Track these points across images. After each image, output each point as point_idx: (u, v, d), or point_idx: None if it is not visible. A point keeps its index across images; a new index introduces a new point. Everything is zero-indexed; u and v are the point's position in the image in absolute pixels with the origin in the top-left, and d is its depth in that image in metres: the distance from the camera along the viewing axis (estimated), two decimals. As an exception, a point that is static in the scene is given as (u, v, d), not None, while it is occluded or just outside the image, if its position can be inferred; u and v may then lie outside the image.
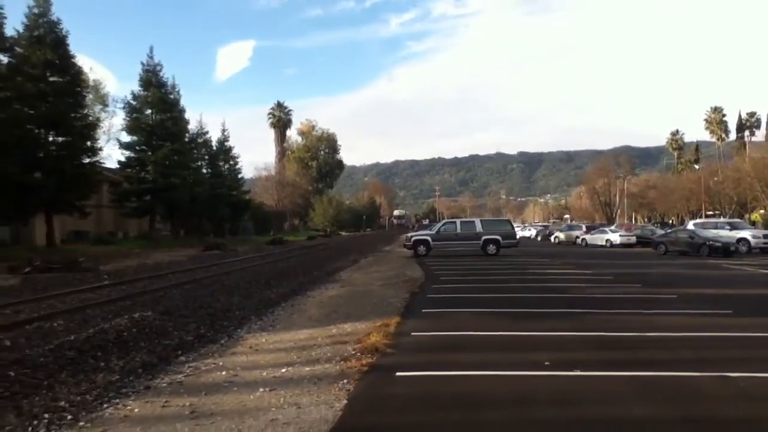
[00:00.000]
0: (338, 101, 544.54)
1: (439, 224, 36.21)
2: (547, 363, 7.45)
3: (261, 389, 6.64)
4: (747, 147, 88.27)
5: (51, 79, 34.66)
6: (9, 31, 31.78)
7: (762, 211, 63.42)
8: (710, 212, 70.35)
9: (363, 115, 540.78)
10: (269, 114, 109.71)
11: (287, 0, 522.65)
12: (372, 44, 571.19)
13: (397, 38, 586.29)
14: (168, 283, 17.79)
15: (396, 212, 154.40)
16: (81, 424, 5.66)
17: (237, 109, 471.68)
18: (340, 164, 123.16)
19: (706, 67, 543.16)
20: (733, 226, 36.39)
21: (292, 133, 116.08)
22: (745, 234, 34.52)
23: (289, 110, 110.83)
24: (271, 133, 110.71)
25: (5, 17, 30.49)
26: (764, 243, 33.67)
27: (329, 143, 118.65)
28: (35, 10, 34.71)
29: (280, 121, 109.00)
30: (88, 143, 37.18)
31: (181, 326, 10.64)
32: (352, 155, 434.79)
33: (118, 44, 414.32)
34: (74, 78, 36.22)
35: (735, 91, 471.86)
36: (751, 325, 10.23)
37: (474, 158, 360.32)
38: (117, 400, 6.39)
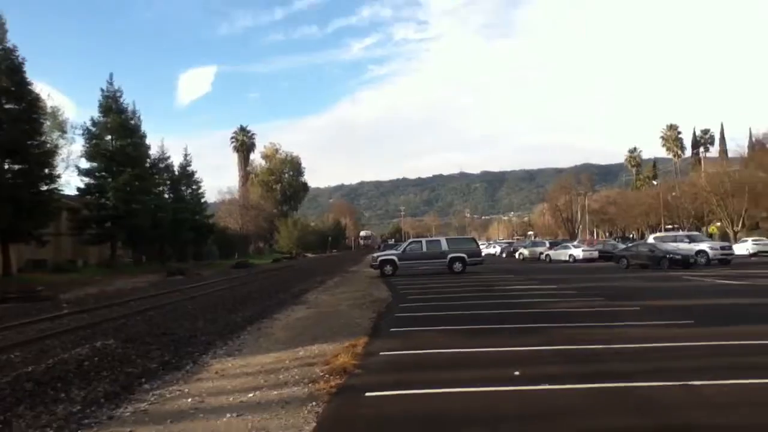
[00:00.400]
0: (302, 124, 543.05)
1: (405, 244, 36.39)
2: (515, 378, 7.50)
3: (228, 415, 6.50)
4: (702, 163, 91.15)
5: (6, 106, 33.75)
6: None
7: (718, 224, 65.26)
8: (669, 226, 72.09)
9: (327, 138, 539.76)
10: (232, 138, 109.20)
11: (248, 26, 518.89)
12: (335, 68, 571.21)
13: (359, 62, 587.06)
14: (130, 311, 17.38)
15: (362, 233, 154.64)
16: (40, 457, 5.46)
17: (200, 134, 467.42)
18: (304, 186, 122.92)
19: (661, 86, 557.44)
20: (692, 239, 37.26)
21: (256, 157, 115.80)
22: (704, 246, 35.46)
23: (253, 134, 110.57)
24: (234, 157, 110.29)
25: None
26: (722, 254, 34.76)
27: (293, 166, 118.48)
28: (-10, 38, 33.79)
29: (244, 144, 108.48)
30: (46, 170, 36.29)
31: (145, 354, 10.39)
32: (317, 177, 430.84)
33: (78, 70, 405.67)
34: (31, 105, 35.30)
35: (689, 110, 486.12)
36: (712, 334, 10.45)
37: (438, 178, 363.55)
38: (78, 432, 6.19)
